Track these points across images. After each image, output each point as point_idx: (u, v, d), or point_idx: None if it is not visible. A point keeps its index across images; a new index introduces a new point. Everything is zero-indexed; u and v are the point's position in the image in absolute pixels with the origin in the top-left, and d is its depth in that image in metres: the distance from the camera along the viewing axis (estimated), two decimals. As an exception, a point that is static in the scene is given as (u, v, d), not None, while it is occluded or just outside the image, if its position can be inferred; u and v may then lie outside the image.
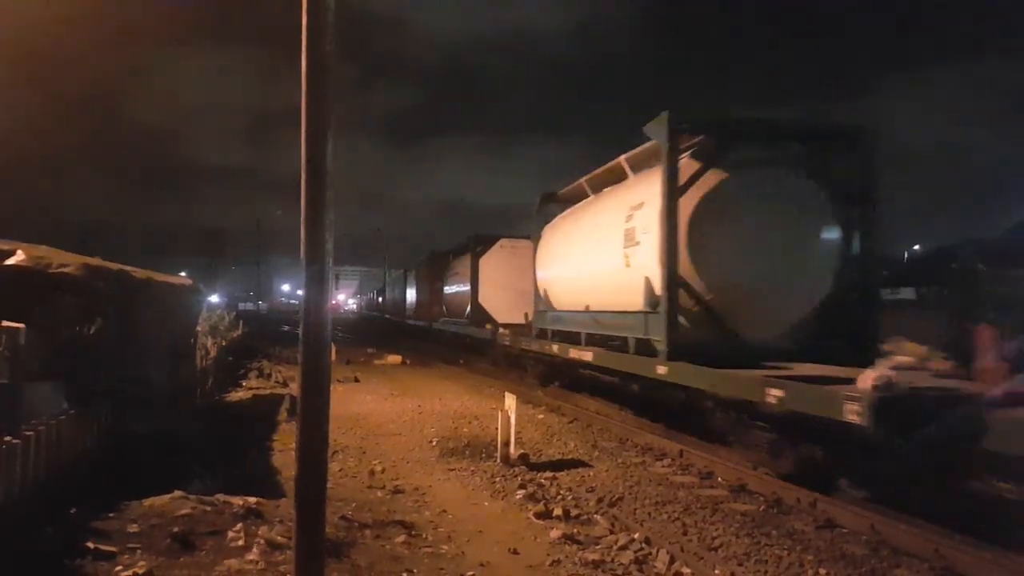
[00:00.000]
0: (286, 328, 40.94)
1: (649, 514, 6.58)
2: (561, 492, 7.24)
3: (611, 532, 5.98)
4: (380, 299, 54.66)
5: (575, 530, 5.95)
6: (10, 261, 6.02)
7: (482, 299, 21.50)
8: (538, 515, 6.33)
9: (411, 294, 36.53)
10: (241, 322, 25.20)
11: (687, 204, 8.82)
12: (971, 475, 6.17)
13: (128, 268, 7.75)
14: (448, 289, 26.60)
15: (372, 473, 7.83)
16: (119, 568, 4.21)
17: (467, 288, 22.48)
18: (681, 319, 8.88)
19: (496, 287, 21.09)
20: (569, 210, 14.68)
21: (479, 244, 22.07)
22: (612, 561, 5.30)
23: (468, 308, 22.07)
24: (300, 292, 3.35)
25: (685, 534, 6.03)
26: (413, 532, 5.75)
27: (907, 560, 5.43)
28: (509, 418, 8.42)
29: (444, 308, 27.02)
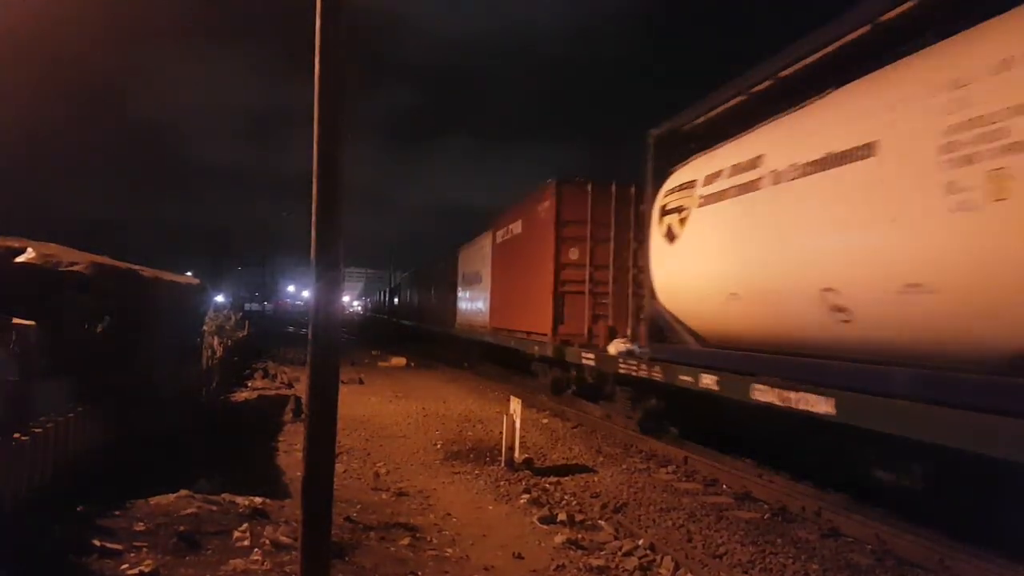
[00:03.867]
0: (291, 329, 41.07)
1: (654, 520, 6.57)
2: (565, 497, 7.23)
3: (615, 538, 5.97)
4: (395, 300, 44.90)
5: (579, 535, 5.94)
6: (20, 259, 6.05)
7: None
8: (542, 520, 6.33)
9: (471, 293, 21.26)
10: (247, 322, 25.24)
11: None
12: None
13: (136, 267, 7.78)
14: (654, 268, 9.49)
15: (377, 475, 7.83)
16: (125, 566, 4.21)
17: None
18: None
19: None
20: None
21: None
22: (616, 567, 5.29)
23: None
24: (305, 293, 3.36)
25: (690, 541, 6.02)
26: (418, 535, 5.74)
27: (912, 570, 5.41)
28: (514, 422, 8.42)
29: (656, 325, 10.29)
